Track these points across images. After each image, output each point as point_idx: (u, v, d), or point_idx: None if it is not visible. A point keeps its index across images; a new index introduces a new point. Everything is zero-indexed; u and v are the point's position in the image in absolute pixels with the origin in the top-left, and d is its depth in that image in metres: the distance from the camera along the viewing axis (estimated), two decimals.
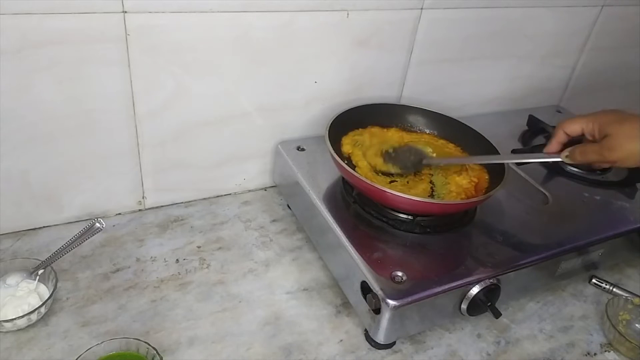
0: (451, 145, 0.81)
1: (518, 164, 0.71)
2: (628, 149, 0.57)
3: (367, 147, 0.76)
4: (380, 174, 0.73)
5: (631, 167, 0.59)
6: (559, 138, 0.64)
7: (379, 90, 0.89)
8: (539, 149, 0.69)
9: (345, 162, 0.68)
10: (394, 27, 0.82)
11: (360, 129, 0.79)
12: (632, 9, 1.06)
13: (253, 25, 0.71)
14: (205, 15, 0.67)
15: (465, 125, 0.80)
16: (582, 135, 0.63)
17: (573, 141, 0.65)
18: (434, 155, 0.77)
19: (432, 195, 0.71)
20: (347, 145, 0.76)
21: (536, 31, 0.98)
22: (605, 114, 0.61)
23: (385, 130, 0.82)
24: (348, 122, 0.78)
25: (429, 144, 0.80)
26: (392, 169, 0.73)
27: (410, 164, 0.73)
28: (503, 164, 0.70)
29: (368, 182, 0.64)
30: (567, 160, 0.62)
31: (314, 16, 0.75)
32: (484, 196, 0.67)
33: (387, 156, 0.74)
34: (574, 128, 0.63)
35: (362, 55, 0.83)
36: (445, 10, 0.85)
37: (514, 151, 0.90)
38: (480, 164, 0.76)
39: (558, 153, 0.63)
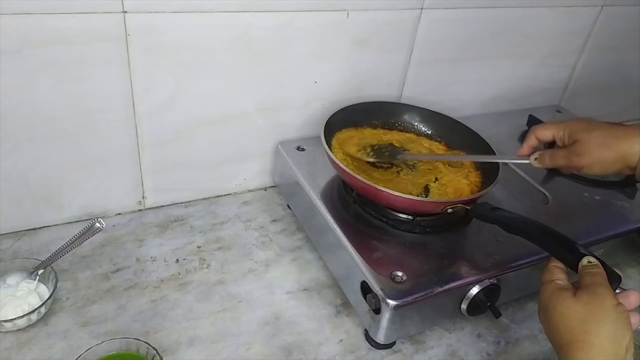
0: (441, 147, 0.82)
1: (488, 163, 0.73)
2: (595, 156, 0.58)
3: (346, 141, 0.78)
4: (353, 162, 0.74)
5: (599, 174, 0.61)
6: (530, 142, 0.65)
7: (379, 90, 0.89)
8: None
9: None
10: (394, 27, 0.82)
11: (352, 129, 0.80)
12: (632, 9, 1.06)
13: (253, 25, 0.71)
14: (205, 15, 0.67)
15: (464, 125, 0.80)
16: (553, 141, 0.64)
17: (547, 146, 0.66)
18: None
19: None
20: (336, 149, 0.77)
21: (536, 31, 0.98)
22: (577, 121, 0.62)
23: (378, 131, 0.82)
24: (346, 121, 0.78)
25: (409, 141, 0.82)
26: (366, 157, 0.75)
27: (386, 154, 0.76)
28: (498, 166, 0.70)
29: (365, 181, 0.64)
30: (535, 164, 0.64)
31: (314, 16, 0.75)
32: (477, 194, 0.67)
33: (364, 148, 0.76)
34: (545, 133, 0.64)
35: (362, 55, 0.83)
36: (445, 10, 0.85)
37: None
38: (475, 167, 0.77)
39: (528, 156, 0.65)
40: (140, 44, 0.66)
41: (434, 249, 0.66)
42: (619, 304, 0.47)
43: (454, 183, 0.73)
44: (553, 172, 0.86)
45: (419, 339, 0.66)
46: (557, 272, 0.52)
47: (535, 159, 0.64)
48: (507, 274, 0.64)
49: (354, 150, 0.76)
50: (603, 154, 0.58)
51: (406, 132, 0.84)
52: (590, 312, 0.46)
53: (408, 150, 0.79)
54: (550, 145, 0.66)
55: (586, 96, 1.16)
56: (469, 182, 0.74)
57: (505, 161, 0.75)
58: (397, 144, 0.81)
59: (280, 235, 0.80)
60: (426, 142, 0.82)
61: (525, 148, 0.66)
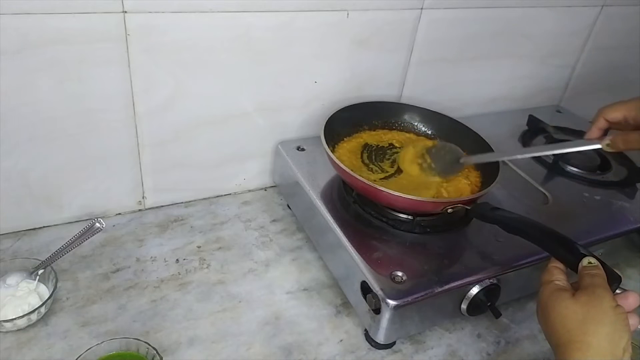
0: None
1: (556, 155, 0.69)
2: None
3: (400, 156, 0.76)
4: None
5: None
6: (599, 124, 0.61)
7: (379, 90, 0.89)
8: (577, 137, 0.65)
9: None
10: (394, 27, 0.82)
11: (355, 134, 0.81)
12: (632, 9, 1.06)
13: (253, 25, 0.71)
14: (205, 15, 0.67)
15: (464, 125, 0.80)
16: (625, 122, 0.60)
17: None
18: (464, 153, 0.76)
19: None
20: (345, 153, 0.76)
21: (536, 31, 0.98)
22: None
23: (377, 132, 0.82)
24: (346, 121, 0.78)
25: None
26: (432, 175, 0.73)
27: (449, 167, 0.72)
28: (498, 166, 0.70)
29: (365, 181, 0.64)
30: (607, 149, 0.59)
31: (314, 16, 0.75)
32: (477, 194, 0.67)
33: (424, 163, 0.74)
34: (616, 115, 0.60)
35: (362, 55, 0.83)
36: (445, 10, 0.85)
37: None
38: (475, 167, 0.77)
39: (598, 139, 0.61)
40: (140, 44, 0.66)
41: (434, 249, 0.66)
42: (618, 305, 0.47)
43: (455, 182, 0.73)
44: (553, 172, 0.86)
45: (419, 339, 0.66)
46: (556, 273, 0.52)
47: (608, 144, 0.59)
48: (507, 274, 0.64)
49: (415, 169, 0.74)
50: None
51: (406, 132, 0.84)
52: (589, 312, 0.46)
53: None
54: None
55: (586, 96, 1.16)
56: (469, 182, 0.74)
57: (573, 150, 0.66)
58: (397, 144, 0.81)
59: (280, 235, 0.80)
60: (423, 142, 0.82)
61: (595, 131, 0.62)
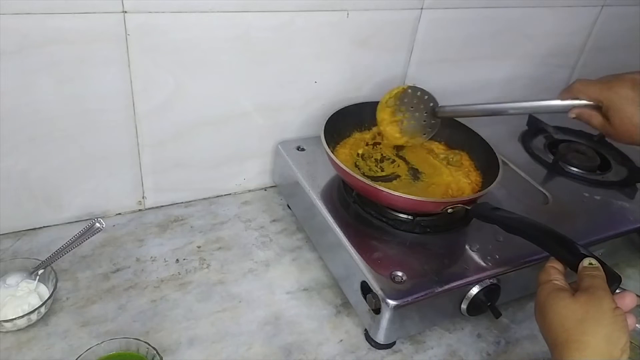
0: (441, 146, 0.82)
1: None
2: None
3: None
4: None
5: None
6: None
7: (379, 90, 0.88)
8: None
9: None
10: (394, 27, 0.82)
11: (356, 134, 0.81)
12: (632, 9, 1.06)
13: (253, 25, 0.71)
14: (205, 15, 0.67)
15: (464, 125, 0.79)
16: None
17: None
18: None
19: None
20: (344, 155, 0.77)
21: (536, 31, 0.98)
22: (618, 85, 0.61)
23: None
24: (346, 120, 0.79)
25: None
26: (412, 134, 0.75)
27: (428, 121, 0.75)
28: (499, 166, 0.70)
29: (365, 181, 0.64)
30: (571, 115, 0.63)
31: (314, 16, 0.75)
32: (477, 194, 0.67)
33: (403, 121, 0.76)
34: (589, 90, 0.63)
35: (362, 55, 0.83)
36: (445, 10, 0.85)
37: None
38: (475, 166, 0.77)
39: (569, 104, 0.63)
40: (140, 44, 0.66)
41: (434, 249, 0.66)
42: (617, 307, 0.47)
43: (455, 182, 0.73)
44: (553, 172, 0.86)
45: (419, 339, 0.66)
46: (554, 273, 0.52)
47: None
48: (507, 274, 0.64)
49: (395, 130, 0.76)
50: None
51: None
52: (588, 313, 0.46)
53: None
54: None
55: None
56: (470, 182, 0.74)
57: (549, 103, 0.67)
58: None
59: (280, 235, 0.80)
60: (426, 142, 0.82)
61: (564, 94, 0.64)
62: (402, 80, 0.90)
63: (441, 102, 0.76)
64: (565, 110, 0.64)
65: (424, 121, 0.77)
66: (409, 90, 0.76)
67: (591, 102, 0.62)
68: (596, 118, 0.62)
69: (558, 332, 0.47)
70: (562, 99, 0.64)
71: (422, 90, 0.76)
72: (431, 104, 0.76)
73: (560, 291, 0.49)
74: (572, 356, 0.45)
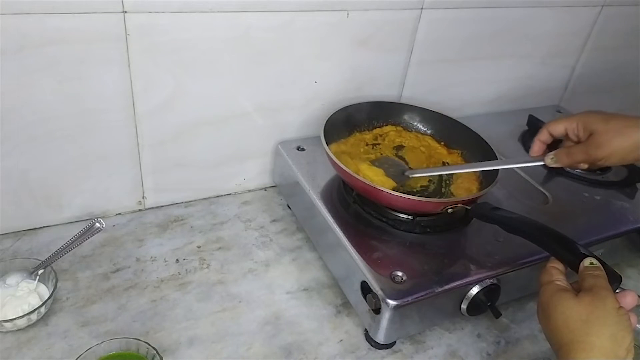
0: (443, 149, 0.82)
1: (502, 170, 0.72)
2: (614, 146, 0.58)
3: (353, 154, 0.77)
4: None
5: (617, 164, 0.60)
6: (543, 138, 0.64)
7: (379, 90, 0.89)
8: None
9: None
10: (394, 27, 0.82)
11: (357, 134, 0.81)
12: (632, 9, 1.06)
13: (253, 25, 0.71)
14: (205, 15, 0.67)
15: (464, 125, 0.80)
16: (566, 136, 0.63)
17: (555, 143, 0.65)
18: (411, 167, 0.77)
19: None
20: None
21: (536, 31, 0.98)
22: (589, 113, 0.61)
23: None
24: (346, 120, 0.78)
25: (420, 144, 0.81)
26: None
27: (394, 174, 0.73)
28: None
29: (365, 181, 0.64)
30: (551, 163, 0.62)
31: (314, 16, 0.75)
32: (477, 194, 0.67)
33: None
34: (558, 128, 0.63)
35: (362, 55, 0.83)
36: (445, 10, 0.85)
37: None
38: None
39: (542, 155, 0.64)
40: (140, 44, 0.66)
41: (434, 249, 0.66)
42: (621, 307, 0.47)
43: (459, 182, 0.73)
44: (553, 172, 0.86)
45: (419, 339, 0.66)
46: (555, 273, 0.52)
47: (552, 158, 0.62)
48: (507, 274, 0.64)
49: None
50: (622, 143, 0.57)
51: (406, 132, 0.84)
52: (592, 313, 0.46)
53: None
54: (556, 143, 0.64)
55: (586, 96, 1.16)
56: (470, 182, 0.74)
57: (518, 165, 0.70)
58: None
59: (280, 235, 0.80)
60: (425, 142, 0.82)
61: (538, 145, 0.64)
62: (402, 81, 0.90)
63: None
64: (539, 161, 0.64)
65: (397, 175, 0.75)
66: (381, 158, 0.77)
67: (560, 137, 0.63)
68: (577, 152, 0.60)
69: (563, 333, 0.47)
70: (532, 154, 0.65)
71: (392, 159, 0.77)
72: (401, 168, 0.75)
73: (564, 292, 0.49)
74: (578, 357, 0.45)
